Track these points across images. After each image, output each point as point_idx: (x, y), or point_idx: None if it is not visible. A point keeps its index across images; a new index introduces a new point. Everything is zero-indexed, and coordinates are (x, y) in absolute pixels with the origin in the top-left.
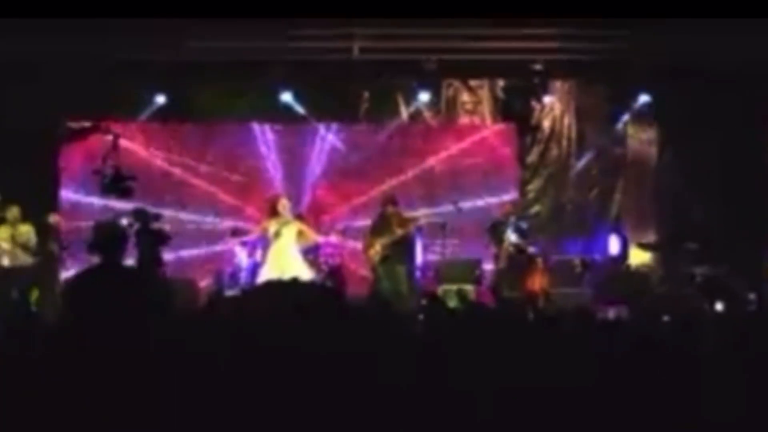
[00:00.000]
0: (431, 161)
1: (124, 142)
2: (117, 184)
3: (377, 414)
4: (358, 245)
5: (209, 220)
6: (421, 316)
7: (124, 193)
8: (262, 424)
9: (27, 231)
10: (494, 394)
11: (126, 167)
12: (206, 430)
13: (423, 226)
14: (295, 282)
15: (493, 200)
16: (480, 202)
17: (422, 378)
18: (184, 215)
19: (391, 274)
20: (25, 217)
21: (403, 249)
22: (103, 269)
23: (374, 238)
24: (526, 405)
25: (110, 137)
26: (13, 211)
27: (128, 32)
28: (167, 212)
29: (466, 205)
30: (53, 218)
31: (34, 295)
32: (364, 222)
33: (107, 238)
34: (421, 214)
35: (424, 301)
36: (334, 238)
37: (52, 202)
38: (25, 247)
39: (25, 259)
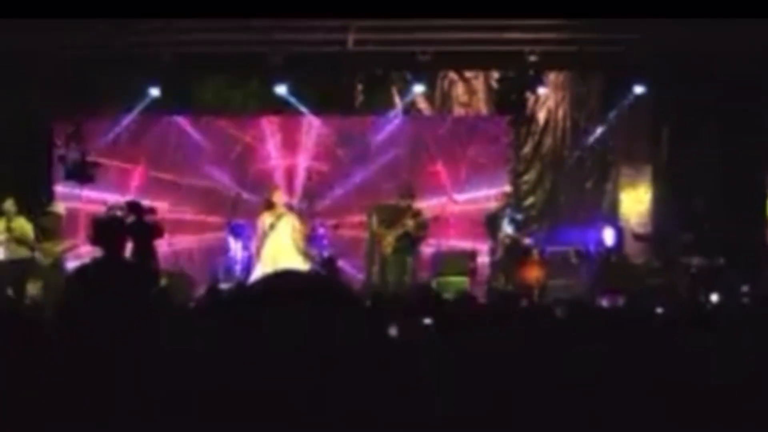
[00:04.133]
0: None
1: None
2: (80, 169)
3: (374, 409)
4: (355, 238)
5: (206, 212)
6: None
7: (87, 179)
8: (260, 416)
9: (22, 224)
10: (490, 385)
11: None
12: (207, 423)
13: (428, 220)
14: (293, 271)
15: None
16: (478, 194)
17: (419, 371)
18: (181, 207)
19: (399, 265)
20: (20, 211)
21: (411, 240)
22: (105, 262)
23: (387, 230)
24: (521, 396)
25: (73, 124)
26: (8, 204)
27: (122, 25)
28: (164, 204)
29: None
30: (58, 207)
31: (33, 288)
32: (358, 215)
33: (107, 231)
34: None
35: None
36: (323, 231)
37: (47, 195)
38: (20, 241)
39: (21, 253)
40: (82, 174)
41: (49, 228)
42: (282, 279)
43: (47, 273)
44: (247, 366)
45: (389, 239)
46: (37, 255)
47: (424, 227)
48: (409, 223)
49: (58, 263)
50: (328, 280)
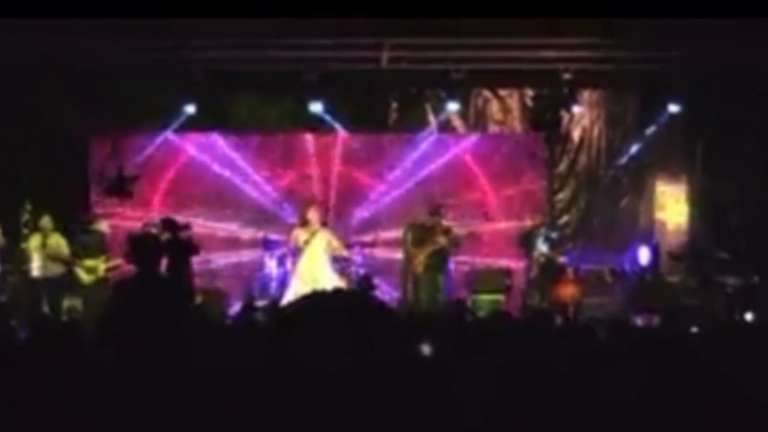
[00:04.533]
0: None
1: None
2: (119, 185)
3: (410, 424)
4: (390, 255)
5: (240, 229)
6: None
7: (125, 195)
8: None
9: (57, 241)
10: (524, 401)
11: (130, 169)
12: None
13: (460, 236)
14: (330, 290)
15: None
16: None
17: (453, 388)
18: (215, 224)
19: (430, 282)
20: (56, 227)
21: (442, 258)
22: (141, 279)
23: (418, 249)
24: (552, 412)
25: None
26: (45, 221)
27: (158, 41)
28: (198, 220)
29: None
30: (101, 225)
31: (72, 304)
32: (394, 232)
33: (142, 249)
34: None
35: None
36: (359, 249)
37: (84, 212)
38: (55, 257)
39: (56, 270)
40: (121, 189)
41: (92, 245)
42: (319, 298)
43: (90, 290)
44: (286, 382)
45: (420, 257)
46: (80, 272)
47: (457, 244)
48: (441, 240)
49: (101, 280)
50: (364, 299)
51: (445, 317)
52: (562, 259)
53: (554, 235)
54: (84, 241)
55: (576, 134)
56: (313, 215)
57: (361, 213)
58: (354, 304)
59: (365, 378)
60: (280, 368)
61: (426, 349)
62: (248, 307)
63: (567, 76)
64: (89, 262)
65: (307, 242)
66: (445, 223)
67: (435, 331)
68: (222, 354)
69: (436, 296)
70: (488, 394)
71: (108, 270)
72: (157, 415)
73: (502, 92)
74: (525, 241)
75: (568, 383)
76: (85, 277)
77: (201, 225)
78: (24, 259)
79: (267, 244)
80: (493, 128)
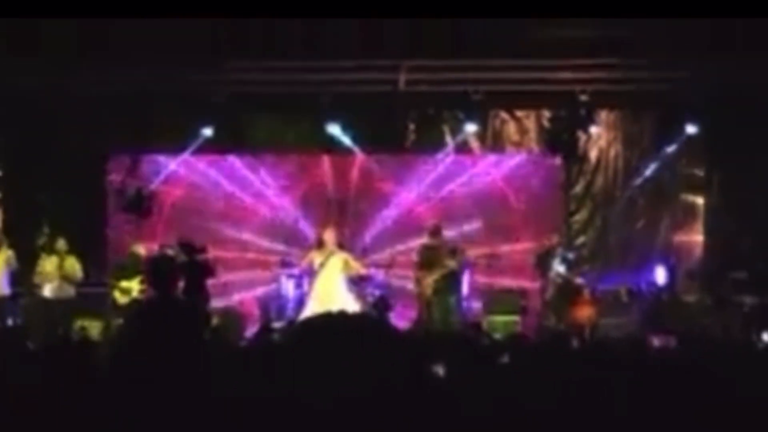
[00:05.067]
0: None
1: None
2: (137, 203)
3: None
4: (406, 277)
5: (256, 249)
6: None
7: (144, 213)
8: None
9: (72, 264)
10: (542, 426)
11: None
12: None
13: (472, 258)
14: (339, 313)
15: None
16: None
17: (465, 412)
18: (230, 244)
19: (442, 304)
20: (71, 250)
21: (453, 280)
22: (158, 301)
23: (425, 272)
24: None
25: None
26: (60, 244)
27: (176, 65)
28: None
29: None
30: (138, 248)
31: (78, 324)
32: (410, 254)
33: (160, 272)
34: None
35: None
36: (376, 270)
37: (100, 235)
38: (70, 280)
39: (69, 291)
40: (139, 207)
41: (128, 267)
42: (328, 321)
43: (123, 311)
44: (294, 407)
45: (428, 280)
46: (116, 293)
47: (468, 265)
48: (449, 263)
49: (134, 302)
50: (375, 321)
51: (459, 339)
52: (578, 280)
53: (571, 255)
54: (121, 263)
55: (593, 155)
56: (328, 236)
57: (377, 233)
58: (360, 327)
59: (372, 404)
60: (286, 393)
61: (440, 372)
62: (265, 329)
63: (584, 97)
64: (124, 284)
65: (322, 264)
66: (450, 244)
67: (449, 354)
68: (238, 376)
69: (449, 318)
70: (503, 417)
71: (142, 292)
72: None
73: (520, 113)
74: (541, 262)
75: (584, 405)
76: (120, 298)
77: (217, 246)
78: (40, 281)
79: (284, 266)
80: (510, 149)
